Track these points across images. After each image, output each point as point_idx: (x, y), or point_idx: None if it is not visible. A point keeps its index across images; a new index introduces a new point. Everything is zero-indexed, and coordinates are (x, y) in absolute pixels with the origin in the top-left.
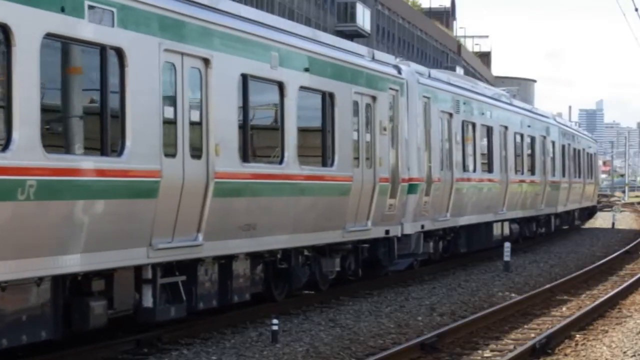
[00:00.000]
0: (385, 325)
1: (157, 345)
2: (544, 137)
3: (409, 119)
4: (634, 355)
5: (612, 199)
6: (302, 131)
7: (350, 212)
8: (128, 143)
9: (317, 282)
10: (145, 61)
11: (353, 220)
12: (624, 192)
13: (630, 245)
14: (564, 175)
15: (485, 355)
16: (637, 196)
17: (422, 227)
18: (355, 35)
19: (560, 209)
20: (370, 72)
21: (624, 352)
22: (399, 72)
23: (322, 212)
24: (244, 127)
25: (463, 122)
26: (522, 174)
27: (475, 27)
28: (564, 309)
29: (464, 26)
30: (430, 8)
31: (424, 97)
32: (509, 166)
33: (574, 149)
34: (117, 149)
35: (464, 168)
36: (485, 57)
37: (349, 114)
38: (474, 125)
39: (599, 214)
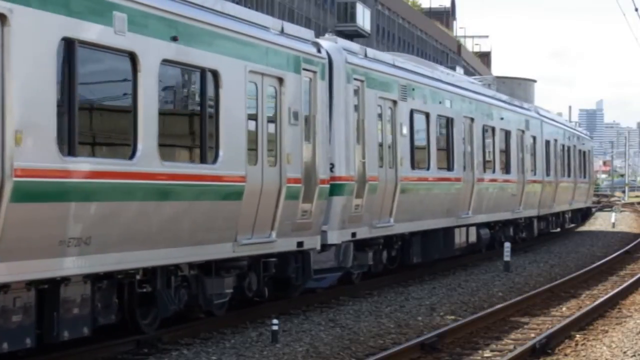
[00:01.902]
0: (385, 325)
1: (157, 345)
2: (522, 132)
3: (334, 106)
4: (634, 355)
5: (612, 199)
6: (168, 118)
7: (244, 220)
8: None
9: (200, 307)
10: None
11: (249, 231)
12: (624, 192)
13: (630, 245)
14: (548, 174)
15: (485, 355)
16: (637, 196)
17: (354, 235)
18: (355, 35)
19: (544, 211)
20: (275, 47)
21: (624, 352)
22: (319, 50)
23: (201, 221)
24: (69, 109)
25: (412, 111)
26: (494, 172)
27: (475, 27)
28: (564, 309)
29: (464, 26)
30: (430, 8)
31: (356, 79)
32: (475, 163)
33: (563, 145)
34: None
35: (413, 165)
36: (485, 57)
37: (242, 98)
38: (427, 115)
39: (599, 214)
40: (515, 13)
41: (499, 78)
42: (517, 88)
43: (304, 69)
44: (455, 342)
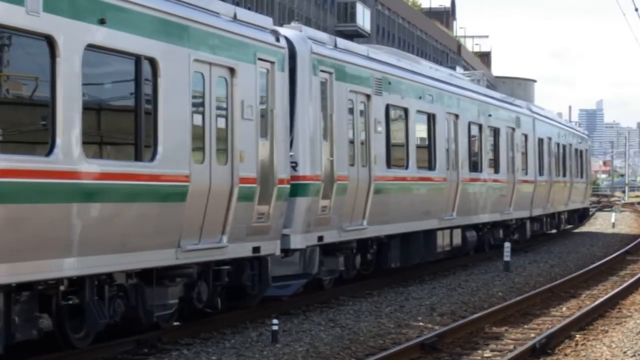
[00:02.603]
0: (385, 325)
1: (157, 345)
2: (513, 129)
3: (297, 100)
4: (634, 355)
5: (612, 199)
6: (96, 110)
7: (189, 224)
8: None
9: (139, 320)
10: None
11: (196, 236)
12: (624, 192)
13: (630, 245)
14: (541, 174)
15: (485, 355)
16: (637, 196)
17: (321, 239)
18: (355, 35)
19: (537, 212)
20: (226, 35)
21: (624, 352)
22: (277, 39)
23: (136, 225)
24: None
25: (388, 106)
26: (481, 171)
27: (475, 27)
28: (564, 309)
29: (464, 26)
30: (430, 8)
31: (324, 71)
32: (460, 162)
33: (557, 144)
34: None
35: (389, 164)
36: (485, 57)
37: (185, 90)
38: (405, 110)
39: (599, 214)
40: (516, 13)
41: (499, 78)
42: (517, 88)
43: (260, 59)
44: (455, 342)
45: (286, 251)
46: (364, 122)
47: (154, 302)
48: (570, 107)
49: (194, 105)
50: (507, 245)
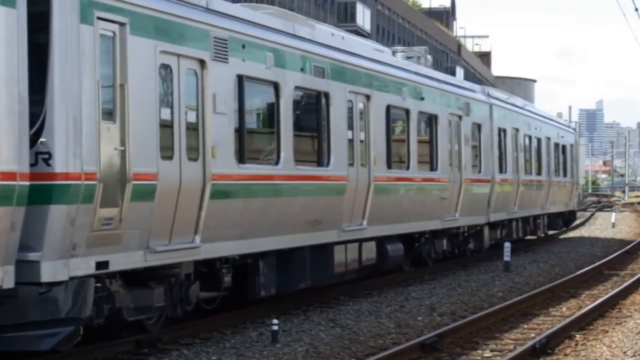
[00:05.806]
0: (385, 325)
1: (157, 345)
2: (459, 117)
3: (54, 58)
4: (634, 355)
5: (612, 199)
6: None
7: None
8: None
9: None
10: None
11: None
12: (624, 192)
13: (630, 245)
14: (502, 171)
15: (485, 355)
16: (637, 196)
17: (103, 265)
18: (355, 34)
19: (498, 217)
20: None
21: (624, 352)
22: None
23: None
24: None
25: (242, 78)
26: (408, 168)
27: (475, 27)
28: (564, 309)
29: (464, 26)
30: (430, 8)
31: (106, 20)
32: (372, 157)
33: (529, 137)
34: None
35: (242, 158)
36: (485, 57)
37: None
38: (275, 85)
39: (599, 214)
40: (516, 13)
41: (499, 78)
42: (517, 88)
43: None
44: (455, 342)
45: (44, 285)
46: (195, 99)
47: None
48: (570, 107)
49: None
50: (507, 245)
